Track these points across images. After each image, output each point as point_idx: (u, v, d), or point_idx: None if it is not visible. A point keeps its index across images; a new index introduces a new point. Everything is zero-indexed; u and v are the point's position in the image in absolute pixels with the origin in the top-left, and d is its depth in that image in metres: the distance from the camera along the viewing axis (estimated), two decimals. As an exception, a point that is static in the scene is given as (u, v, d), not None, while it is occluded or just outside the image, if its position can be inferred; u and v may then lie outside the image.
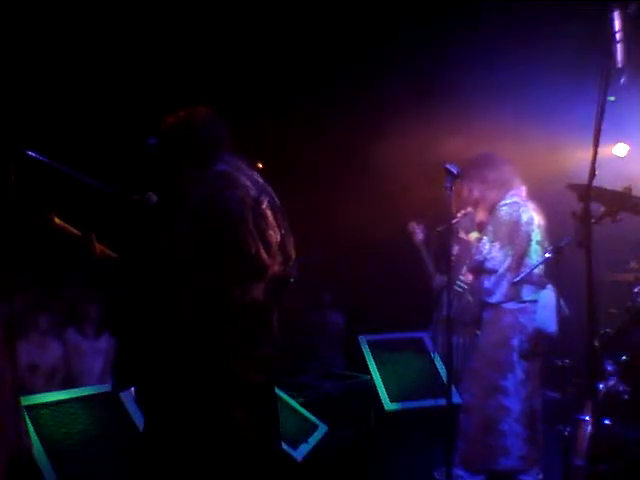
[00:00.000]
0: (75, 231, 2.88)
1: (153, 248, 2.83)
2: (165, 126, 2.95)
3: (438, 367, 5.03)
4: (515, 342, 4.30)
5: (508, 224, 4.30)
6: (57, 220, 2.85)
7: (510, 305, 4.33)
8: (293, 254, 2.93)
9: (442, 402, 3.97)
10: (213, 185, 2.78)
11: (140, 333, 2.80)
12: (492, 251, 4.28)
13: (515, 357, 4.29)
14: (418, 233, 5.70)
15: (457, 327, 5.35)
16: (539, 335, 4.30)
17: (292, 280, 2.92)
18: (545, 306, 4.29)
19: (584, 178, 2.56)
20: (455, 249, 5.06)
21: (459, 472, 4.26)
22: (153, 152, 2.91)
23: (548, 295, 4.28)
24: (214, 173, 2.83)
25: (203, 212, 2.72)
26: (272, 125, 6.02)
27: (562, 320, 4.16)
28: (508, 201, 4.37)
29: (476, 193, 4.42)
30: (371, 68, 5.92)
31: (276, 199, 2.92)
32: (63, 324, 5.27)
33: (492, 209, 4.40)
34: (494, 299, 4.32)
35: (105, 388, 3.87)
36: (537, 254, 4.33)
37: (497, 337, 4.32)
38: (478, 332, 4.40)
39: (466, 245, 4.90)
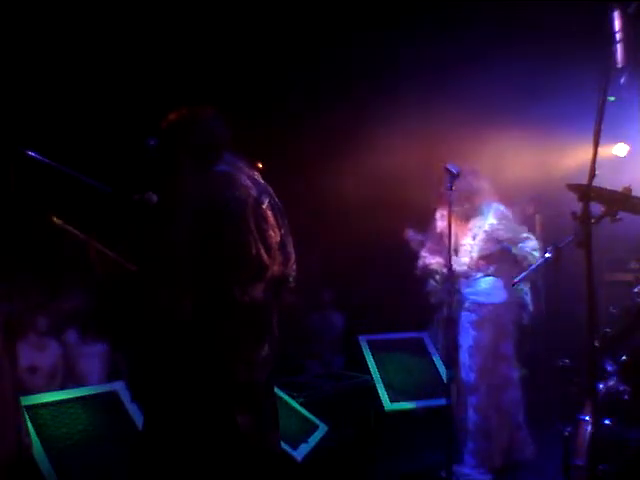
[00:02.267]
0: (75, 232, 2.88)
1: (153, 248, 2.83)
2: (167, 123, 2.92)
3: (438, 367, 5.03)
4: (514, 333, 4.45)
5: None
6: (56, 220, 2.85)
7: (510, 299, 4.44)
8: (293, 254, 2.93)
9: (442, 402, 3.98)
10: (214, 185, 2.78)
11: (140, 334, 2.80)
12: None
13: (513, 348, 4.43)
14: (415, 239, 5.69)
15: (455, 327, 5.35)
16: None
17: (291, 280, 2.92)
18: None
19: (584, 178, 2.56)
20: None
21: (466, 470, 4.29)
22: (153, 153, 2.90)
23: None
24: (215, 173, 2.82)
25: (204, 212, 2.71)
26: (271, 124, 6.02)
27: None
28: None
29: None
30: (378, 67, 5.91)
31: (276, 199, 2.92)
32: (63, 325, 5.27)
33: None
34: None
35: (105, 388, 3.87)
36: None
37: (500, 332, 4.38)
38: (475, 332, 4.39)
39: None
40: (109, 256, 2.96)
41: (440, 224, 4.62)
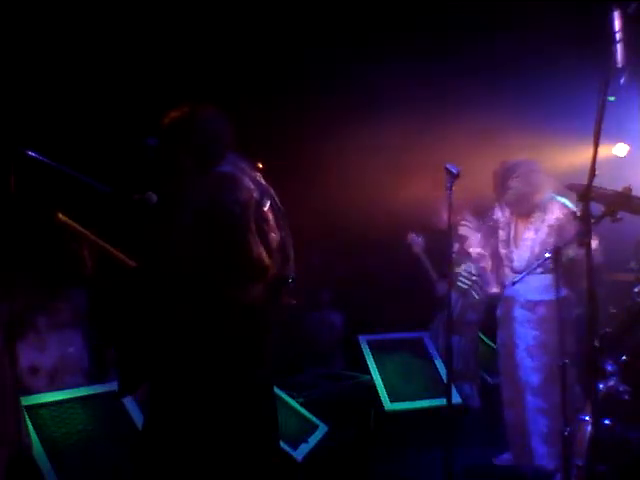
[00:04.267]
0: (80, 228, 2.88)
1: (153, 248, 2.83)
2: (167, 121, 2.89)
3: (438, 367, 5.04)
4: (575, 329, 4.16)
5: None
6: (61, 217, 2.85)
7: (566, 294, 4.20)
8: (292, 254, 2.92)
9: (442, 402, 3.98)
10: (217, 186, 2.77)
11: (139, 334, 2.80)
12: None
13: (577, 344, 4.18)
14: (417, 243, 5.72)
15: (459, 327, 5.36)
16: None
17: (291, 280, 2.91)
18: None
19: (584, 178, 2.56)
20: (455, 247, 5.09)
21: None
22: (153, 152, 2.89)
23: None
24: (218, 174, 2.81)
25: (205, 213, 2.71)
26: (271, 124, 6.02)
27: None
28: None
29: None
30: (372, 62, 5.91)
31: (277, 200, 2.91)
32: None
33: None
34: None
35: (105, 388, 3.87)
36: None
37: (563, 329, 4.14)
38: (537, 332, 4.22)
39: (465, 241, 4.94)
40: (108, 250, 2.94)
41: (497, 215, 4.54)
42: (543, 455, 4.17)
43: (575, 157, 5.36)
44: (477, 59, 5.56)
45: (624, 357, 3.39)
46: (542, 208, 4.33)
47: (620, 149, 5.84)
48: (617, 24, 3.30)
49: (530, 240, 4.33)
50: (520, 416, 4.29)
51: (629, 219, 3.05)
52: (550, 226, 4.28)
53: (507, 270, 4.45)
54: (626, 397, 3.34)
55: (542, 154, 5.50)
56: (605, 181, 2.89)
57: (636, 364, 3.36)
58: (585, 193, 2.55)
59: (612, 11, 3.27)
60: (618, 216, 2.86)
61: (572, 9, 5.09)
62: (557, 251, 3.80)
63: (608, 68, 2.55)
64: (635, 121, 5.28)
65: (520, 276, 4.09)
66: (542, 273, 4.15)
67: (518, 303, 4.33)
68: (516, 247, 4.39)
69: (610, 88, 2.50)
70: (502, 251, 4.47)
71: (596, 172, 2.53)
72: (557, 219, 4.28)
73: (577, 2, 5.05)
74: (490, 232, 4.62)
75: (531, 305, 4.27)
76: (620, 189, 3.08)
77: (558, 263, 3.78)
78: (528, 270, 4.10)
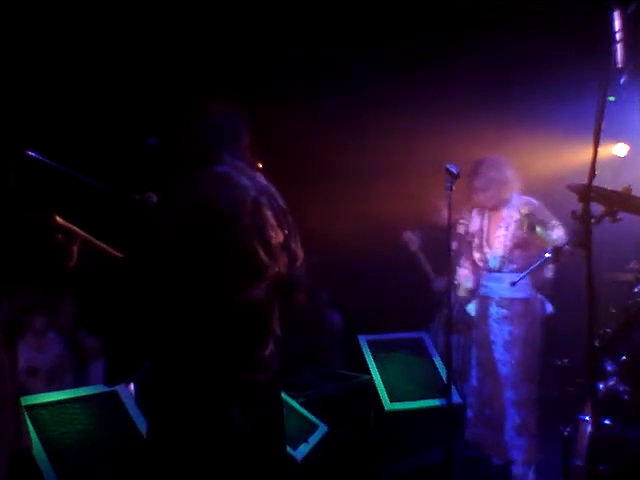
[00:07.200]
0: (78, 230, 2.87)
1: (151, 248, 2.82)
2: (168, 123, 2.93)
3: (438, 367, 5.03)
4: (543, 327, 4.47)
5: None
6: (58, 219, 2.85)
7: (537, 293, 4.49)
8: (300, 254, 2.90)
9: (442, 402, 3.98)
10: (212, 186, 2.77)
11: (136, 333, 2.79)
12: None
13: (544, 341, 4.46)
14: (414, 241, 5.73)
15: (458, 326, 5.36)
16: None
17: (302, 280, 2.90)
18: None
19: (584, 178, 2.56)
20: (454, 245, 5.10)
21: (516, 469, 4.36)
22: (153, 153, 2.90)
23: None
24: (213, 174, 2.82)
25: (200, 212, 2.71)
26: (271, 124, 6.02)
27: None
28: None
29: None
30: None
31: (278, 199, 2.89)
32: (74, 326, 5.23)
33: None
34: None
35: (105, 388, 3.86)
36: None
37: (535, 326, 4.43)
38: (512, 327, 4.42)
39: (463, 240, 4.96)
40: (95, 243, 2.92)
41: (462, 227, 4.75)
42: (518, 447, 4.33)
43: (575, 157, 5.37)
44: (477, 59, 5.56)
45: (624, 357, 3.40)
46: (508, 204, 4.51)
47: (620, 149, 5.85)
48: (617, 24, 3.31)
49: (502, 237, 4.50)
50: (498, 411, 4.45)
51: (629, 219, 3.05)
52: (517, 220, 4.46)
53: (483, 272, 4.66)
54: (626, 397, 3.34)
55: (542, 154, 5.51)
56: (605, 181, 2.89)
57: (636, 364, 3.36)
58: (585, 193, 2.55)
59: (612, 11, 3.28)
60: (618, 216, 2.87)
61: (572, 9, 5.09)
62: (557, 251, 3.85)
63: (608, 68, 2.55)
64: (635, 121, 5.28)
65: (521, 275, 4.19)
66: (516, 271, 4.36)
67: (493, 301, 4.51)
68: (490, 247, 4.55)
69: (610, 88, 2.50)
70: (476, 255, 4.65)
71: (596, 172, 2.53)
72: (523, 213, 4.47)
73: (577, 2, 5.05)
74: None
75: (506, 302, 4.45)
76: (620, 189, 3.08)
77: (558, 262, 3.88)
78: (529, 269, 4.18)
